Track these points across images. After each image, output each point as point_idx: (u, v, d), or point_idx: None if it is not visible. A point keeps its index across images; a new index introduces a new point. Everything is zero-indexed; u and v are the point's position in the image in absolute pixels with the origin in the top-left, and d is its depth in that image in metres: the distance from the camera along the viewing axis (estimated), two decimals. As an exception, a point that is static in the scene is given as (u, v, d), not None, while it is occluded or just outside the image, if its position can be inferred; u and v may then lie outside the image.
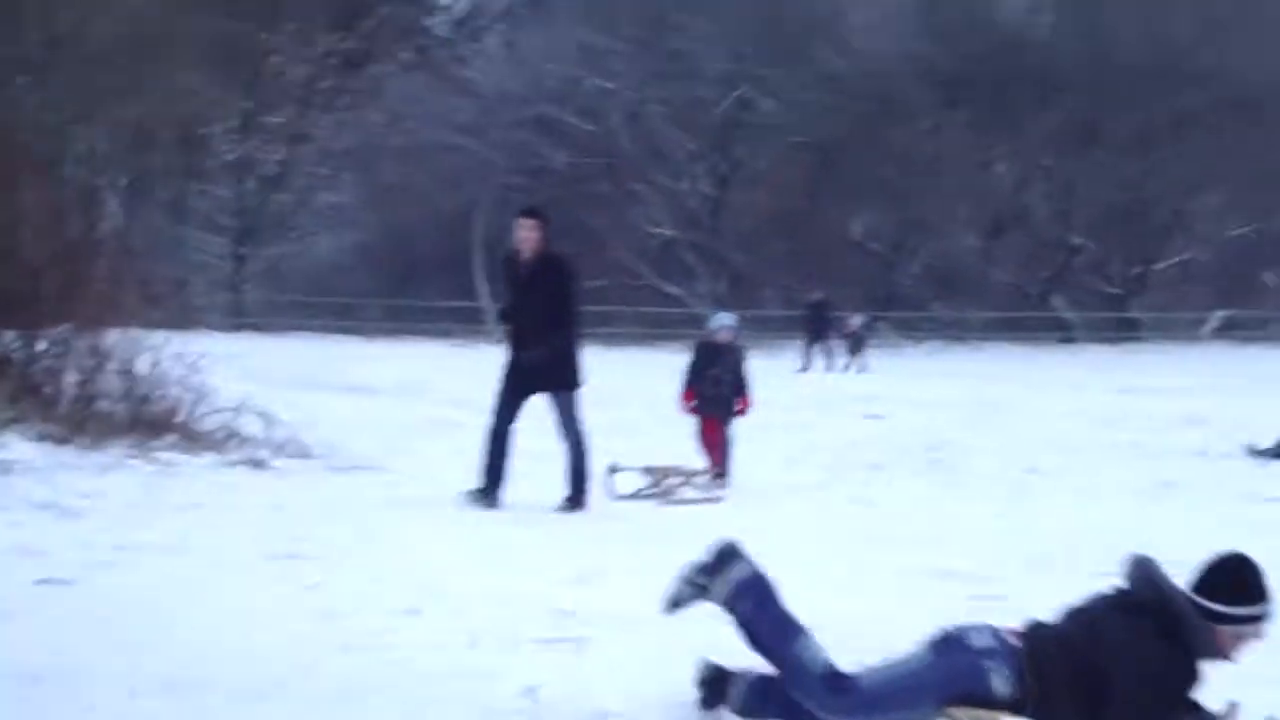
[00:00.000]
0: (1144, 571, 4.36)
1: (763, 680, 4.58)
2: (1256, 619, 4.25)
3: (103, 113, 34.31)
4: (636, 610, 5.77)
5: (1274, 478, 14.35)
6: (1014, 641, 4.32)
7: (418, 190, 43.16)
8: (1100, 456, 15.98)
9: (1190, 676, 4.25)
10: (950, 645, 4.33)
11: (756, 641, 4.47)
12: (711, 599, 4.54)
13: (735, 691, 4.61)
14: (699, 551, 4.62)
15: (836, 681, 4.34)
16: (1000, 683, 4.23)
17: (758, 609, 4.46)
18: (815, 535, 9.81)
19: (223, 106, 40.47)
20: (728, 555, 4.55)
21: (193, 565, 7.14)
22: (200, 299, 36.90)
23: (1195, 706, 4.29)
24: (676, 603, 4.61)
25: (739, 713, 4.63)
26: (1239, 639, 4.25)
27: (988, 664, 4.25)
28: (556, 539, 8.89)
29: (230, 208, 43.04)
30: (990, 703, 4.21)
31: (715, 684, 4.64)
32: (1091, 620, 4.32)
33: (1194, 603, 4.24)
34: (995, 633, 4.36)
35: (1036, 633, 4.37)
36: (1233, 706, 4.31)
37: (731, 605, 4.49)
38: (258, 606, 6.19)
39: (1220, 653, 4.26)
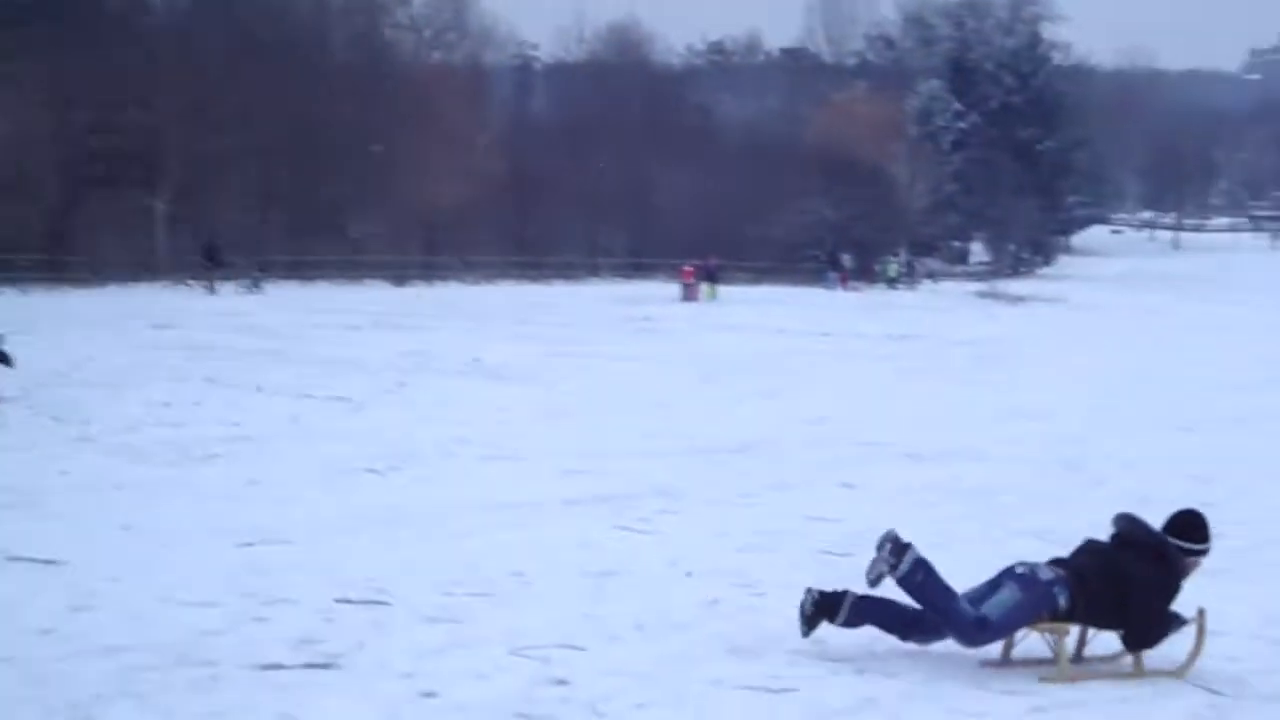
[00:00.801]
0: (1135, 522, 6.49)
1: (862, 599, 6.38)
2: (1204, 553, 6.46)
3: None
4: None
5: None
6: (1062, 572, 6.34)
7: None
8: None
9: (1175, 590, 6.35)
10: (1032, 580, 6.30)
11: (925, 600, 6.24)
12: (897, 573, 6.22)
13: (843, 608, 6.35)
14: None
15: (981, 623, 6.23)
16: (1063, 601, 6.26)
17: (928, 577, 6.23)
18: None
19: None
20: (902, 541, 6.27)
21: None
22: None
23: (1174, 613, 6.36)
24: (877, 578, 6.26)
25: (844, 624, 6.39)
26: (1194, 566, 6.44)
27: (1056, 589, 6.27)
28: None
29: None
30: (1056, 615, 6.25)
31: (824, 605, 6.35)
32: (1105, 554, 6.42)
33: (1172, 543, 6.39)
34: (1050, 567, 6.37)
35: (1069, 565, 6.39)
36: (1201, 612, 6.39)
37: (911, 575, 6.22)
38: None
39: (1185, 575, 6.37)
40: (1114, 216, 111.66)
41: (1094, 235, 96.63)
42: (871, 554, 6.38)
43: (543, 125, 72.33)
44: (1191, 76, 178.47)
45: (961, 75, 78.37)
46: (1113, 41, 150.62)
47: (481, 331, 28.61)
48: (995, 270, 69.17)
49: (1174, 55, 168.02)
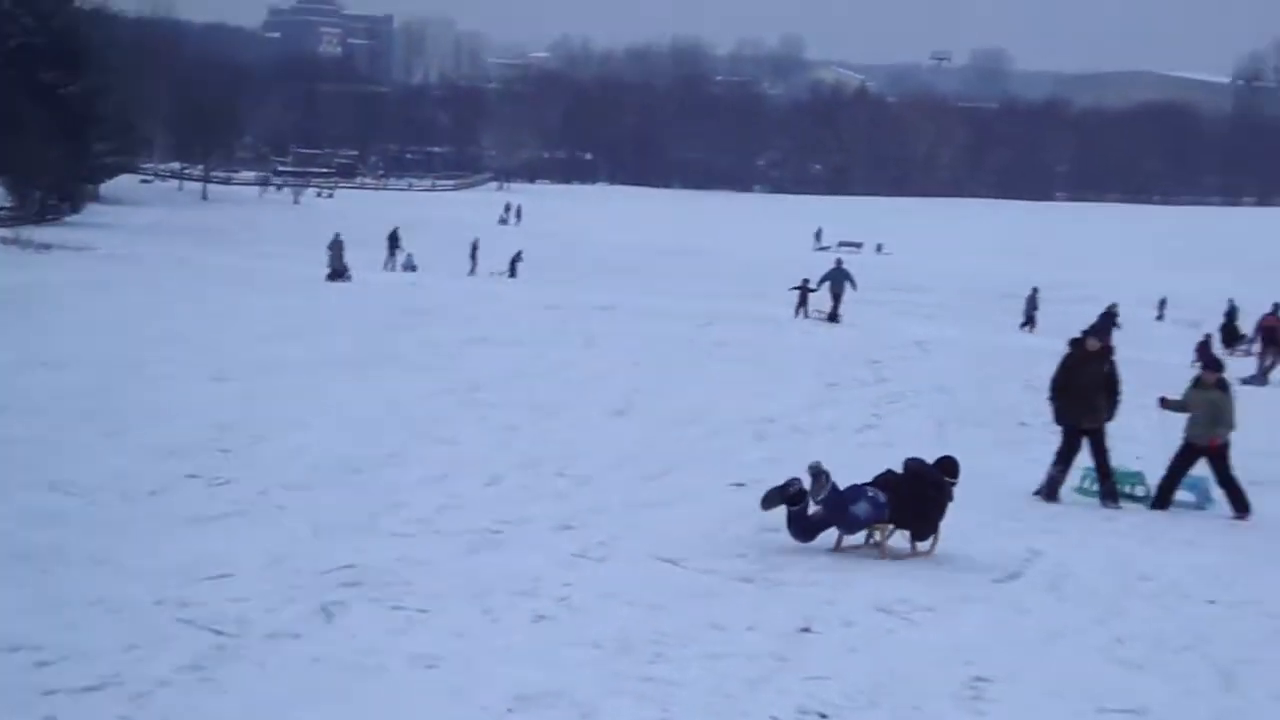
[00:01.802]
0: (922, 463, 10.72)
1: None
2: (956, 484, 10.72)
3: None
4: None
5: None
6: (887, 495, 10.34)
7: None
8: None
9: (946, 506, 10.58)
10: (876, 500, 10.29)
11: (837, 504, 10.19)
12: (831, 490, 10.13)
13: (808, 498, 10.28)
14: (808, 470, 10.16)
15: (855, 520, 10.33)
16: (888, 510, 10.37)
17: (834, 493, 10.14)
18: None
19: None
20: (823, 468, 10.17)
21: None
22: None
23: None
24: (825, 498, 10.12)
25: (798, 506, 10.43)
26: (951, 490, 10.69)
27: (885, 505, 10.35)
28: None
29: None
30: (883, 520, 10.41)
31: (795, 497, 10.29)
32: (906, 483, 10.48)
33: (942, 477, 10.73)
34: (881, 491, 10.34)
35: (885, 488, 10.39)
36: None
37: (827, 494, 10.09)
38: None
39: (950, 498, 10.61)
40: (144, 166, 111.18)
41: (124, 184, 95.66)
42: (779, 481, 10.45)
43: None
44: (214, 30, 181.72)
45: (-23, 11, 74.21)
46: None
47: None
48: (21, 217, 66.44)
49: (194, 8, 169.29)
